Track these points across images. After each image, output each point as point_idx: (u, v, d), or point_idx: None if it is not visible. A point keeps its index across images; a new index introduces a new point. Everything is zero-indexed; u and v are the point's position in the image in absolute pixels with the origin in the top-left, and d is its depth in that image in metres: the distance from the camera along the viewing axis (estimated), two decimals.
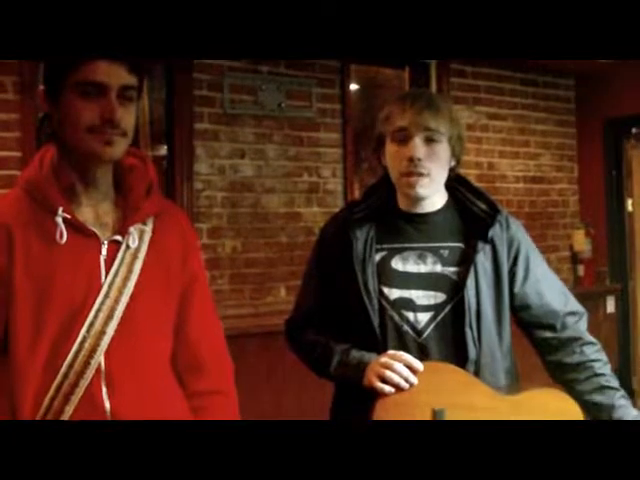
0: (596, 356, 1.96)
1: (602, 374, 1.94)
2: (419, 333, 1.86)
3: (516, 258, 1.94)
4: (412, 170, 1.85)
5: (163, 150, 4.13)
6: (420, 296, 1.87)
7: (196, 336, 1.69)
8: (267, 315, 4.13)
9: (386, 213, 1.96)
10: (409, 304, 1.87)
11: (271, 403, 3.76)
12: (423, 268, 1.89)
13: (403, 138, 1.87)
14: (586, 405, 1.88)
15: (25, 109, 3.55)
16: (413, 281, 1.88)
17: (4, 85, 3.51)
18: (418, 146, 1.85)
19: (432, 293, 1.87)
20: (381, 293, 1.88)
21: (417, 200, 1.91)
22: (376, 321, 1.86)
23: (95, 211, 1.58)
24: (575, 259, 5.54)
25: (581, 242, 5.48)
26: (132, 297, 1.54)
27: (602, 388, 1.92)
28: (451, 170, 1.94)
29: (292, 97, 4.36)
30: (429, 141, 1.86)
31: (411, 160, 1.85)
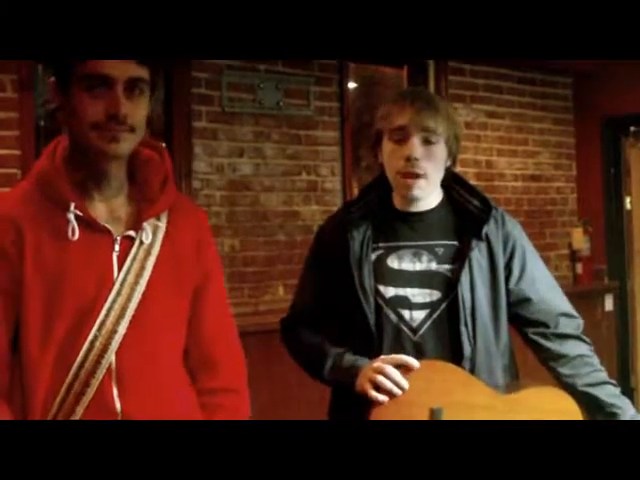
0: (593, 353, 1.97)
1: (602, 370, 1.95)
2: (415, 331, 1.87)
3: (512, 255, 1.94)
4: (409, 170, 1.86)
5: None
6: (416, 294, 1.88)
7: (211, 333, 1.66)
8: (266, 313, 4.12)
9: (382, 212, 1.96)
10: (405, 302, 1.88)
11: (270, 401, 3.76)
12: (418, 266, 1.90)
13: (401, 137, 1.87)
14: (585, 400, 1.88)
15: (24, 107, 3.54)
16: (408, 279, 1.89)
17: (3, 83, 3.50)
18: (416, 146, 1.85)
19: (427, 291, 1.88)
20: (377, 291, 1.89)
21: (413, 200, 1.92)
22: (372, 319, 1.86)
23: (108, 205, 1.55)
24: (573, 257, 5.54)
25: (579, 240, 5.48)
26: (144, 295, 1.52)
27: (604, 383, 1.92)
28: (446, 169, 1.95)
29: (290, 95, 4.36)
30: (427, 142, 1.86)
31: (408, 160, 1.85)
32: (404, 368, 1.76)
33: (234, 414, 1.64)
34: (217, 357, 1.67)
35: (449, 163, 1.94)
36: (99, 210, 1.53)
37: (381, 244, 1.93)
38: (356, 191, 4.60)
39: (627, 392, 5.09)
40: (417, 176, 1.86)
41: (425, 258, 1.90)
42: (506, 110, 5.29)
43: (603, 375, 1.94)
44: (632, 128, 5.54)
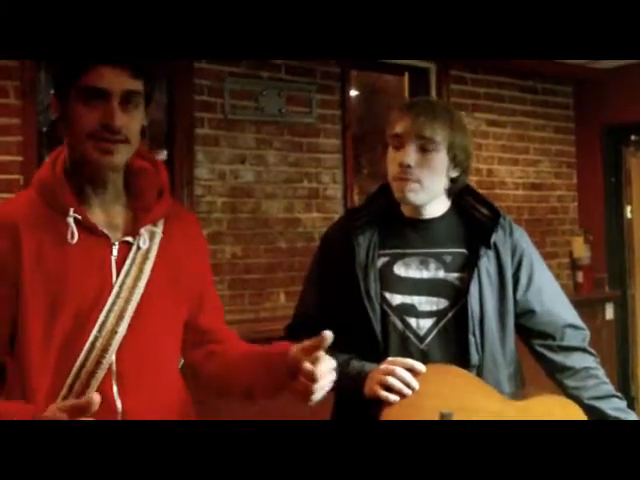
0: (599, 365, 1.96)
1: (607, 382, 1.94)
2: (421, 339, 1.86)
3: (519, 264, 1.94)
4: (402, 176, 1.87)
5: (163, 155, 4.13)
6: (422, 302, 1.88)
7: (215, 326, 1.76)
8: (267, 320, 4.12)
9: (389, 219, 1.96)
10: (411, 310, 1.87)
11: (270, 408, 3.75)
12: (426, 274, 1.89)
13: (398, 144, 1.89)
14: (590, 413, 1.87)
15: (26, 114, 3.55)
16: (415, 287, 1.88)
17: (6, 90, 3.51)
18: (409, 153, 1.86)
19: (435, 299, 1.88)
20: (383, 299, 1.88)
21: (413, 206, 1.92)
22: (378, 327, 1.86)
23: (106, 213, 1.60)
24: (574, 266, 5.54)
25: (580, 249, 5.48)
26: (142, 297, 1.57)
27: (609, 396, 1.92)
28: (455, 180, 1.94)
29: (292, 103, 4.37)
30: (423, 149, 1.86)
31: (401, 166, 1.86)
32: (412, 372, 1.75)
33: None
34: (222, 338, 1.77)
35: (456, 174, 1.93)
36: (97, 217, 1.58)
37: (388, 251, 1.92)
38: (357, 198, 4.62)
39: (627, 401, 5.07)
40: (409, 180, 1.87)
41: (432, 266, 1.90)
42: (507, 119, 5.30)
43: (609, 388, 1.93)
44: (633, 137, 5.55)
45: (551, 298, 1.97)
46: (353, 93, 4.82)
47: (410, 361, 1.76)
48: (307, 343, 1.50)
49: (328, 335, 1.44)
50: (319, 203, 4.47)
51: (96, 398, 1.28)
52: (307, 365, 1.46)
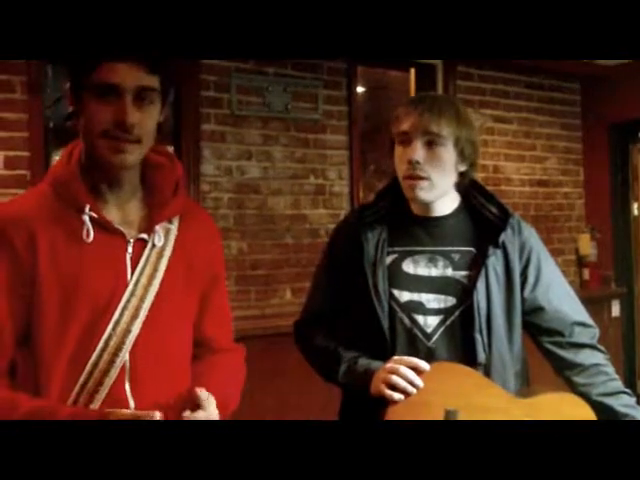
0: (608, 362, 1.96)
1: (617, 379, 1.94)
2: (428, 337, 1.86)
3: (527, 263, 1.93)
4: (411, 173, 1.86)
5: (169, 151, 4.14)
6: (430, 299, 1.87)
7: (210, 333, 1.71)
8: (272, 317, 4.13)
9: (398, 216, 1.96)
10: (419, 307, 1.87)
11: (275, 405, 3.76)
12: (434, 271, 1.89)
13: (406, 141, 1.88)
14: (599, 409, 1.86)
15: (33, 109, 3.56)
16: (424, 284, 1.88)
17: (12, 85, 3.52)
18: (417, 149, 1.85)
19: (442, 297, 1.87)
20: (391, 296, 1.88)
21: (423, 204, 1.92)
22: (385, 324, 1.86)
23: (121, 209, 1.58)
24: (580, 263, 5.53)
25: (586, 246, 5.48)
26: (157, 296, 1.55)
27: (619, 393, 1.91)
28: (463, 174, 1.94)
29: (299, 99, 4.37)
30: (430, 144, 1.86)
31: (410, 163, 1.86)
32: (416, 371, 1.75)
33: (233, 365, 1.73)
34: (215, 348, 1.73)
35: (464, 168, 1.94)
36: (112, 213, 1.56)
37: (396, 248, 1.92)
38: (363, 195, 4.62)
39: None
40: (419, 178, 1.86)
41: (441, 264, 1.90)
42: (514, 115, 5.29)
43: (618, 384, 1.93)
44: None
45: (559, 295, 1.97)
46: (359, 89, 4.81)
47: (415, 360, 1.76)
48: None
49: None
50: (325, 199, 4.48)
51: (157, 415, 1.36)
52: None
